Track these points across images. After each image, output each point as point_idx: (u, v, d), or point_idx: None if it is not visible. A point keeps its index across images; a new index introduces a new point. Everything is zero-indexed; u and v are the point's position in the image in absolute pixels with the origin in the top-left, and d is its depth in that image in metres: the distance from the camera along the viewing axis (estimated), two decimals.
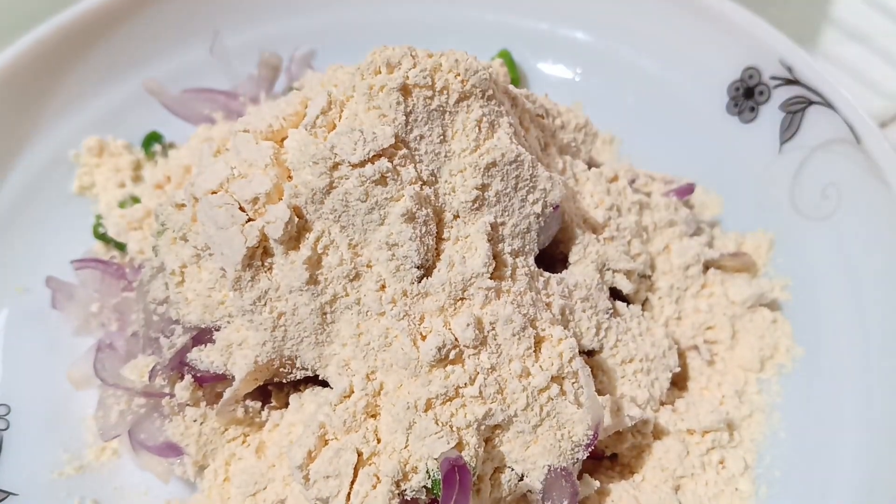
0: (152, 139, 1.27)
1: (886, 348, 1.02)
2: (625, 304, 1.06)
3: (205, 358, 0.92)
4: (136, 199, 1.20)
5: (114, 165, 1.24)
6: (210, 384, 0.94)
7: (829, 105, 1.14)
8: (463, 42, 1.36)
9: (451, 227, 0.92)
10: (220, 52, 1.34)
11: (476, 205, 0.92)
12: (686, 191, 1.16)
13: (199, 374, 0.93)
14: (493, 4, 1.40)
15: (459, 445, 0.84)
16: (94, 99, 1.28)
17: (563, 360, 0.89)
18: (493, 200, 0.92)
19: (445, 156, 0.92)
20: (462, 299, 0.89)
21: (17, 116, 1.21)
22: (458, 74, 0.91)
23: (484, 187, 0.91)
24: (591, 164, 1.16)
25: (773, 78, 1.20)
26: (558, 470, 0.88)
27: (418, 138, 0.90)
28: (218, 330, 0.92)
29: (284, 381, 0.95)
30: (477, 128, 0.92)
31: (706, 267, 1.12)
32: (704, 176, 1.25)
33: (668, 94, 1.31)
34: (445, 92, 0.91)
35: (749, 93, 1.23)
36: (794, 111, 1.18)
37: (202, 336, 0.92)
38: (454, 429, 0.84)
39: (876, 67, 1.59)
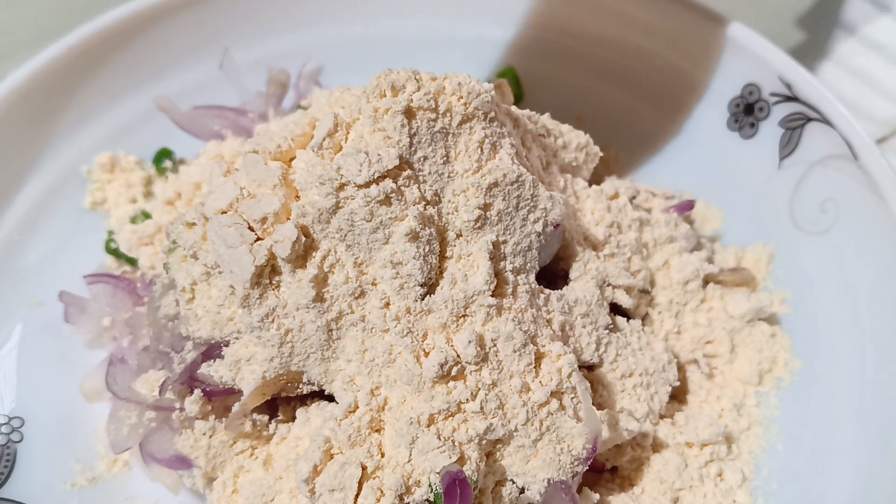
0: (163, 155, 1.28)
1: (883, 361, 1.04)
2: (625, 319, 1.07)
3: (214, 373, 0.94)
4: (147, 215, 1.21)
5: (125, 181, 1.26)
6: (219, 398, 0.96)
7: (826, 122, 1.16)
8: (468, 57, 1.39)
9: (454, 245, 0.94)
10: (230, 68, 1.36)
11: (478, 224, 0.93)
12: (686, 207, 1.18)
13: (208, 389, 0.94)
14: (498, 21, 1.41)
15: (461, 460, 0.86)
16: (106, 116, 1.30)
17: (563, 375, 0.91)
18: (494, 220, 0.94)
19: (448, 176, 0.94)
20: (464, 316, 0.91)
21: (31, 133, 1.23)
22: (461, 97, 0.93)
23: (486, 207, 0.93)
24: (592, 180, 1.17)
25: (773, 94, 1.22)
26: (558, 483, 0.89)
27: (422, 159, 0.92)
28: (227, 345, 0.94)
29: (292, 395, 0.96)
30: (479, 149, 0.94)
31: (706, 282, 1.14)
32: (705, 190, 1.27)
33: (669, 110, 1.32)
34: (448, 114, 0.93)
35: (749, 109, 1.25)
36: (793, 127, 1.20)
37: (211, 351, 0.94)
38: (456, 443, 0.86)
39: (889, 74, 1.59)
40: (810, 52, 1.64)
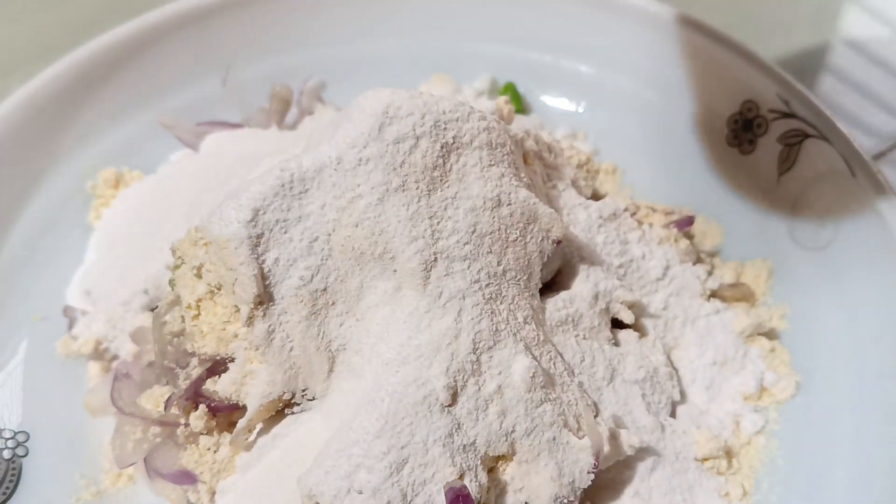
0: None
1: (881, 376, 1.05)
2: (625, 333, 1.08)
3: (219, 389, 0.94)
4: None
5: None
6: (224, 414, 0.96)
7: (824, 138, 1.17)
8: (469, 74, 1.40)
9: None
10: (233, 85, 1.37)
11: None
12: (686, 222, 1.19)
13: (213, 404, 0.95)
14: (498, 38, 1.43)
15: (464, 475, 0.86)
16: (110, 131, 1.31)
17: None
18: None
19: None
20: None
21: (35, 149, 1.24)
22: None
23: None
24: (593, 196, 1.18)
25: (771, 111, 1.23)
26: (561, 498, 0.90)
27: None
28: (232, 361, 0.94)
29: (296, 410, 0.97)
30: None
31: (706, 297, 1.15)
32: (705, 206, 1.28)
33: (669, 127, 1.34)
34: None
35: (748, 125, 1.26)
36: (792, 144, 1.21)
37: (216, 367, 0.95)
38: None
39: (889, 88, 1.59)
40: (810, 66, 1.65)
